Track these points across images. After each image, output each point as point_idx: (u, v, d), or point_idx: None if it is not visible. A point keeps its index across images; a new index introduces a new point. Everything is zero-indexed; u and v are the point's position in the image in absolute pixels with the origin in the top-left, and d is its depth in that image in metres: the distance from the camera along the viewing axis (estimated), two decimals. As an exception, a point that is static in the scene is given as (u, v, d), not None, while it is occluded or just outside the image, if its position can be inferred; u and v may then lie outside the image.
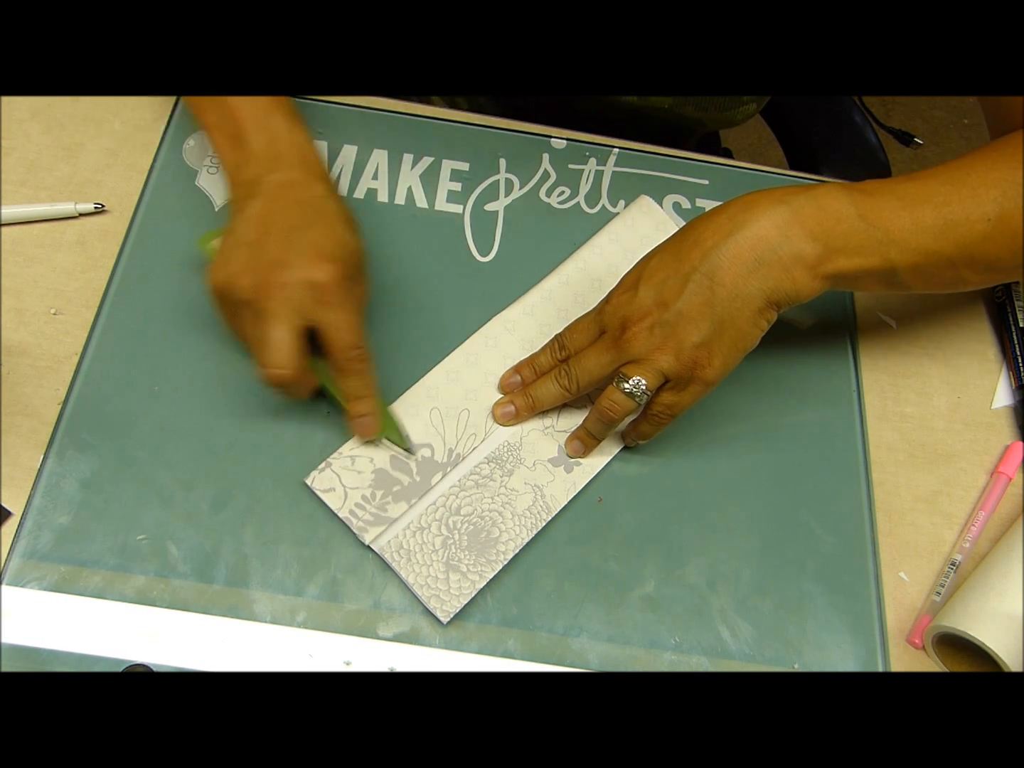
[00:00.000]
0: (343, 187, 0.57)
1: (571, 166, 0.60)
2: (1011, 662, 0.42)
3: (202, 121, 0.52)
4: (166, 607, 0.44)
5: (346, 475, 0.47)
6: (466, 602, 0.45)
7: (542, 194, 0.59)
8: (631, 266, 0.47)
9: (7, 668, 0.42)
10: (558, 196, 0.59)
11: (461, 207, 0.57)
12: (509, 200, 0.58)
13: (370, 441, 0.48)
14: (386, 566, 0.46)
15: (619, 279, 0.47)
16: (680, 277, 0.43)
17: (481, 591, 0.45)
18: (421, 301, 0.54)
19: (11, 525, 0.45)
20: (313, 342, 0.45)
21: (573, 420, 0.50)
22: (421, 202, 0.57)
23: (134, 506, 0.46)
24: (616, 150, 0.61)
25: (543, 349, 0.50)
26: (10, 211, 0.53)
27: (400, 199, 0.57)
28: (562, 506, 0.48)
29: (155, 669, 0.42)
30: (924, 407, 0.54)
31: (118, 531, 0.45)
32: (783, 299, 0.43)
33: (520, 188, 0.59)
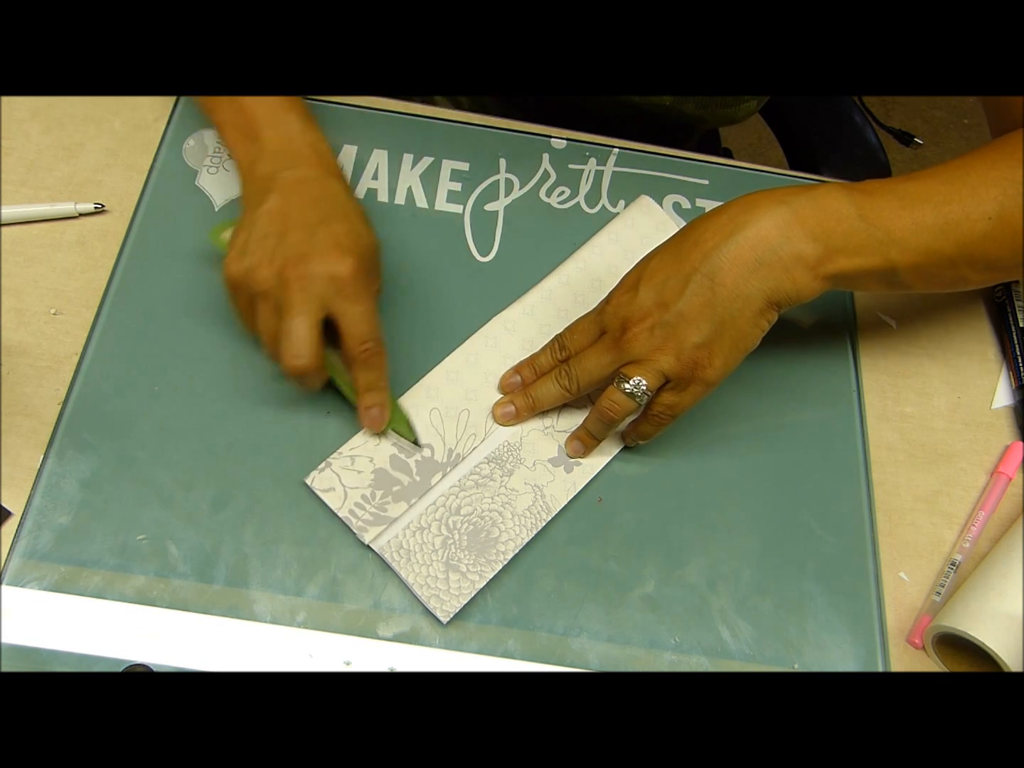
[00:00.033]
0: (343, 187, 0.57)
1: (571, 166, 0.60)
2: (1011, 662, 0.42)
3: (213, 117, 0.52)
4: (166, 607, 0.44)
5: (346, 475, 0.47)
6: (466, 602, 0.45)
7: (542, 194, 0.59)
8: (631, 266, 0.47)
9: (7, 668, 0.42)
10: (558, 196, 0.59)
11: (461, 207, 0.57)
12: (509, 200, 0.58)
13: (378, 433, 0.48)
14: (386, 566, 0.46)
15: (619, 279, 0.47)
16: (681, 278, 0.43)
17: (481, 591, 0.45)
18: (421, 301, 0.54)
19: (11, 525, 0.45)
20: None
21: (573, 420, 0.50)
22: (421, 202, 0.57)
23: (134, 506, 0.46)
24: (616, 150, 0.61)
25: (543, 349, 0.50)
26: (10, 211, 0.53)
27: (400, 199, 0.57)
28: (562, 506, 0.48)
29: (155, 669, 0.42)
30: (924, 407, 0.54)
31: (118, 531, 0.45)
32: (784, 299, 0.43)
33: (520, 188, 0.59)
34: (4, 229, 0.53)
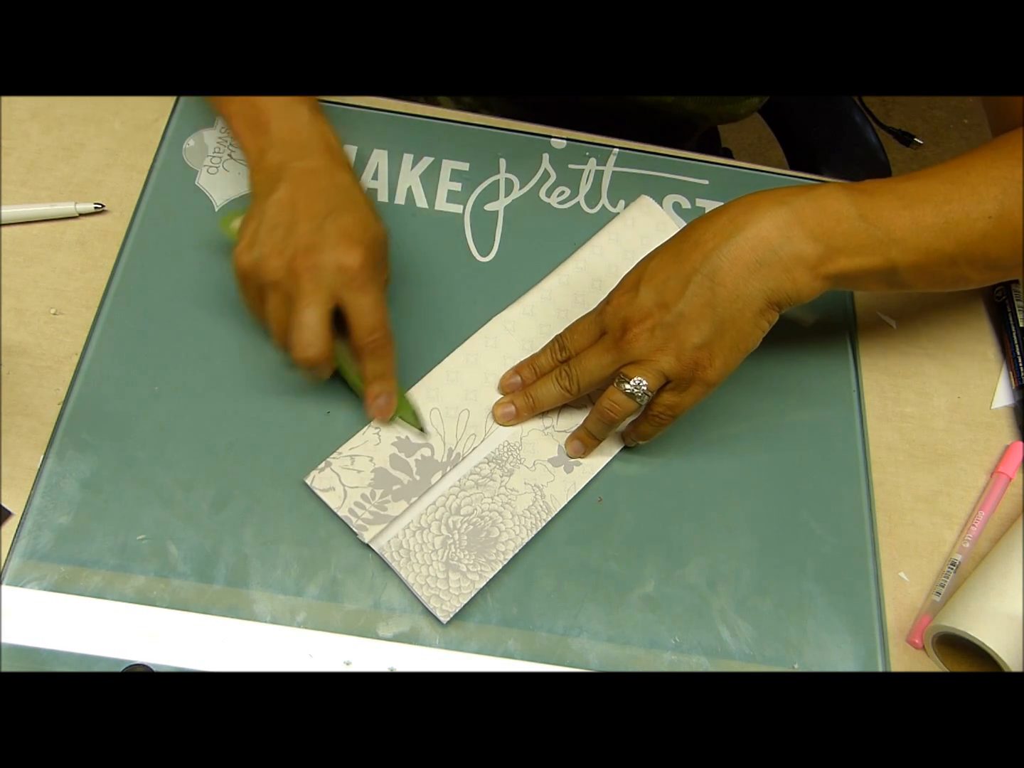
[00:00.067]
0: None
1: (571, 166, 0.60)
2: (1011, 662, 0.42)
3: (221, 109, 0.52)
4: (166, 607, 0.44)
5: (346, 474, 0.47)
6: (466, 602, 0.45)
7: (542, 194, 0.59)
8: (631, 266, 0.47)
9: (7, 668, 0.42)
10: (558, 196, 0.59)
11: (461, 207, 0.57)
12: (509, 200, 0.58)
13: (385, 422, 0.49)
14: (386, 566, 0.46)
15: (619, 279, 0.47)
16: (681, 278, 0.43)
17: (481, 591, 0.45)
18: (421, 301, 0.54)
19: (11, 525, 0.45)
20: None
21: (573, 420, 0.50)
22: (421, 202, 0.57)
23: (134, 506, 0.46)
24: (616, 150, 0.61)
25: (543, 350, 0.50)
26: (10, 211, 0.53)
27: (400, 199, 0.57)
28: (562, 506, 0.48)
29: (155, 669, 0.42)
30: (924, 407, 0.54)
31: (118, 531, 0.45)
32: (784, 300, 0.43)
33: (520, 188, 0.59)
34: (4, 229, 0.53)
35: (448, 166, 0.59)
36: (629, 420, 0.47)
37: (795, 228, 0.42)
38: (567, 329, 0.49)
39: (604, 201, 0.59)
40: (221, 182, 0.56)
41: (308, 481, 0.47)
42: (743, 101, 0.65)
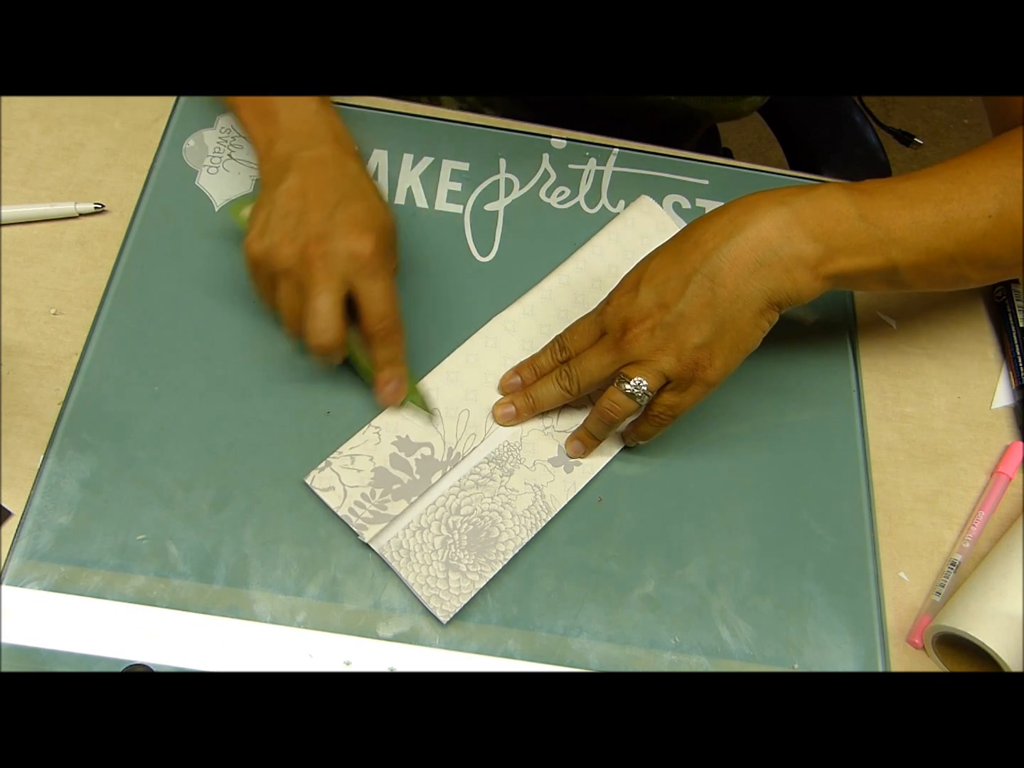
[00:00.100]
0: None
1: (571, 166, 0.60)
2: (1011, 662, 0.42)
3: (229, 100, 0.53)
4: (166, 607, 0.44)
5: (346, 474, 0.47)
6: (466, 602, 0.45)
7: (542, 194, 0.59)
8: (631, 266, 0.47)
9: (7, 668, 0.42)
10: (558, 196, 0.59)
11: (461, 207, 0.57)
12: (509, 200, 0.58)
13: (395, 407, 0.49)
14: (386, 566, 0.46)
15: (619, 279, 0.47)
16: (681, 278, 0.43)
17: (481, 591, 0.45)
18: (421, 301, 0.54)
19: (11, 525, 0.45)
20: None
21: (573, 420, 0.50)
22: (421, 202, 0.57)
23: (134, 506, 0.46)
24: (616, 150, 0.61)
25: (544, 350, 0.50)
26: (10, 211, 0.53)
27: (400, 199, 0.57)
28: (562, 506, 0.48)
29: (155, 669, 0.42)
30: (924, 407, 0.54)
31: (118, 531, 0.45)
32: (784, 300, 0.43)
33: (520, 188, 0.59)
34: (4, 229, 0.53)
35: (448, 166, 0.59)
36: (629, 420, 0.47)
37: (795, 228, 0.42)
38: (567, 329, 0.49)
39: (604, 201, 0.59)
40: (221, 182, 0.56)
41: (308, 481, 0.47)
42: (745, 98, 0.65)
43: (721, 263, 0.42)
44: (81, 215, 0.54)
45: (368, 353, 0.48)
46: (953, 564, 0.48)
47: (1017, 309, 0.56)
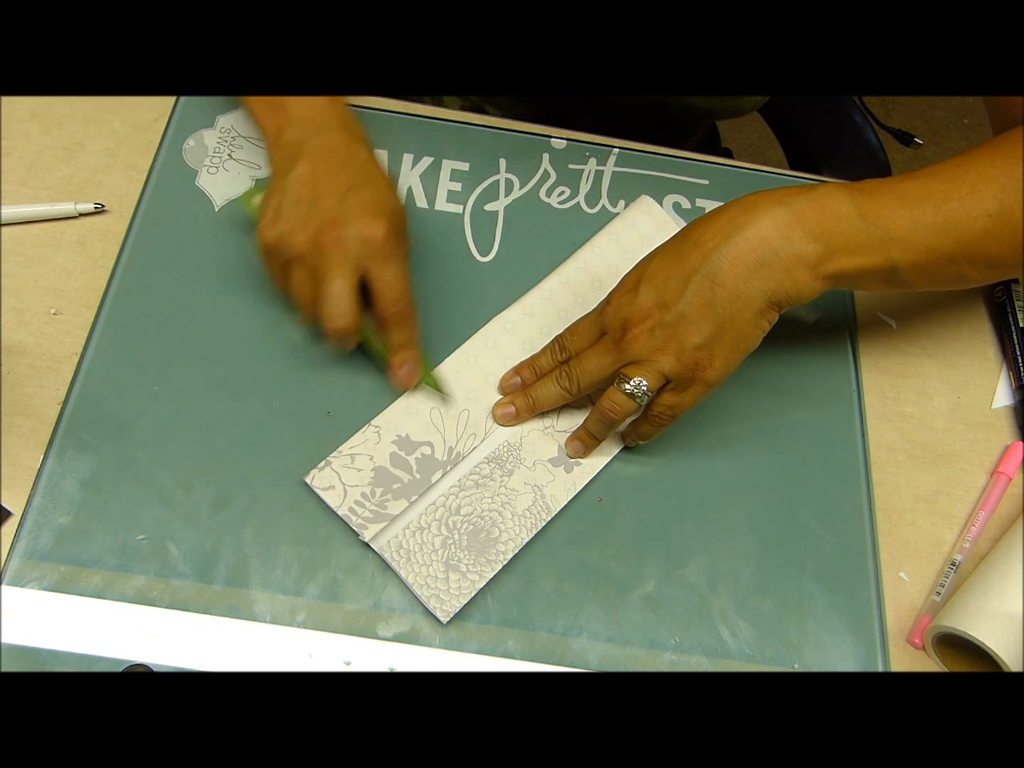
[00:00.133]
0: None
1: (571, 166, 0.60)
2: (1011, 662, 0.42)
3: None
4: (166, 607, 0.44)
5: (346, 473, 0.47)
6: (466, 602, 0.45)
7: (542, 194, 0.59)
8: (631, 266, 0.47)
9: (7, 668, 0.42)
10: (558, 196, 0.59)
11: (461, 207, 0.57)
12: (509, 200, 0.58)
13: (409, 389, 0.50)
14: (386, 566, 0.46)
15: (619, 279, 0.47)
16: (681, 278, 0.43)
17: (481, 591, 0.45)
18: (421, 301, 0.53)
19: (11, 525, 0.45)
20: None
21: (573, 420, 0.50)
22: (421, 202, 0.57)
23: (134, 506, 0.46)
24: (616, 150, 0.61)
25: (543, 350, 0.50)
26: (10, 211, 0.53)
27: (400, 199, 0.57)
28: (562, 506, 0.48)
29: (155, 669, 0.42)
30: (924, 407, 0.54)
31: (118, 531, 0.45)
32: (784, 300, 0.43)
33: (520, 188, 0.59)
34: (4, 229, 0.53)
35: (448, 166, 0.59)
36: (629, 420, 0.47)
37: (795, 228, 0.42)
38: (567, 329, 0.49)
39: (604, 201, 0.59)
40: (221, 182, 0.56)
41: (308, 480, 0.47)
42: (747, 96, 0.65)
43: (721, 263, 0.42)
44: (81, 215, 0.54)
45: (382, 337, 0.49)
46: (953, 564, 0.48)
47: (1017, 309, 0.56)
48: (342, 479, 0.47)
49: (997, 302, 0.58)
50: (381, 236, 0.46)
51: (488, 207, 0.58)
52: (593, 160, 0.60)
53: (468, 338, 0.52)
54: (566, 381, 0.47)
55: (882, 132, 0.74)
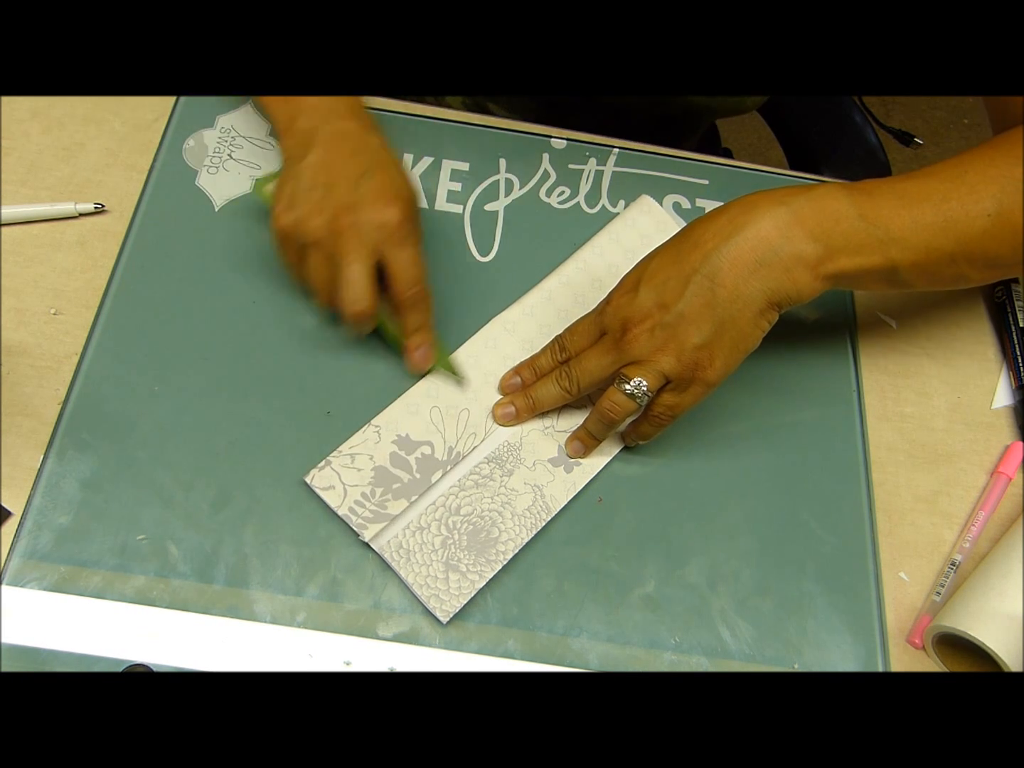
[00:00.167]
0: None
1: (571, 166, 0.60)
2: (1011, 662, 0.42)
3: None
4: (166, 607, 0.44)
5: (346, 473, 0.47)
6: (466, 602, 0.45)
7: (542, 194, 0.59)
8: (631, 266, 0.47)
9: (7, 668, 0.42)
10: (558, 196, 0.59)
11: (461, 207, 0.57)
12: (509, 200, 0.58)
13: (424, 372, 0.50)
14: (386, 566, 0.46)
15: (619, 279, 0.47)
16: (681, 279, 0.43)
17: (481, 591, 0.45)
18: (421, 301, 0.54)
19: (11, 525, 0.45)
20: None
21: (573, 420, 0.50)
22: (421, 202, 0.57)
23: (134, 506, 0.46)
24: (616, 150, 0.61)
25: (543, 350, 0.50)
26: (10, 211, 0.53)
27: (400, 199, 0.57)
28: (562, 506, 0.48)
29: (155, 669, 0.42)
30: (924, 407, 0.54)
31: (118, 531, 0.45)
32: (784, 300, 0.43)
33: (520, 188, 0.59)
34: (4, 229, 0.53)
35: (448, 166, 0.59)
36: (629, 420, 0.47)
37: (795, 228, 0.42)
38: (567, 330, 0.49)
39: (604, 201, 0.59)
40: (221, 182, 0.56)
41: (308, 480, 0.47)
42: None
43: (721, 263, 0.42)
44: (81, 215, 0.54)
45: (397, 321, 0.49)
46: (953, 564, 0.48)
47: (1017, 309, 0.56)
48: (342, 479, 0.47)
49: (997, 302, 0.58)
50: (396, 221, 0.47)
51: (488, 207, 0.58)
52: (593, 160, 0.60)
53: (468, 338, 0.52)
54: (566, 381, 0.47)
55: (882, 132, 0.74)
